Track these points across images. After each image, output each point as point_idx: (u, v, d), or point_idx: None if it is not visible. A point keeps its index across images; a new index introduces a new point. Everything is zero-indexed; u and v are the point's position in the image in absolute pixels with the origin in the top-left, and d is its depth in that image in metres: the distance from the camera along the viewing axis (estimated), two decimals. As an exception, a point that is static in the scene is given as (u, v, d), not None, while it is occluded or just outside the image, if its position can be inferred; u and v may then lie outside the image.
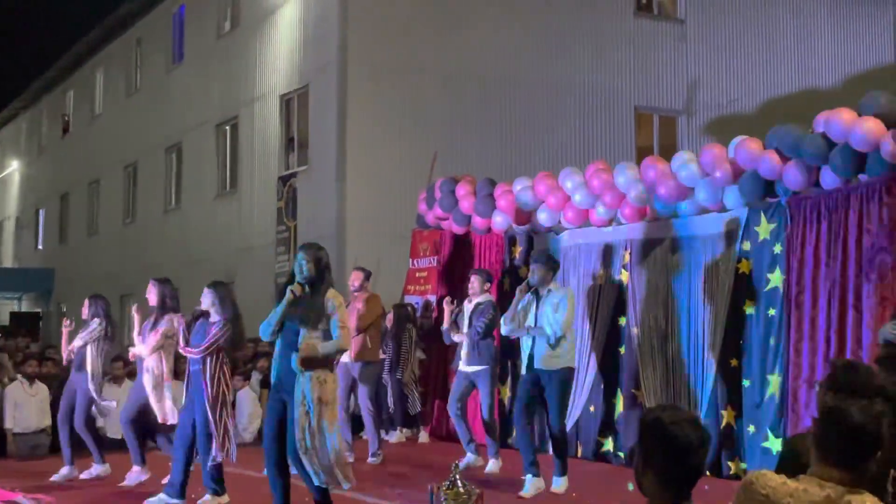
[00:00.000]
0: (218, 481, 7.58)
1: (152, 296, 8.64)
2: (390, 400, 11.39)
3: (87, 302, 9.09)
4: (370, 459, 9.62)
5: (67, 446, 8.98)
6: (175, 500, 7.58)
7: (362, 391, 9.84)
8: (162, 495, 7.63)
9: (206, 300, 7.62)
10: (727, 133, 18.64)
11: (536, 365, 8.07)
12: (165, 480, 7.83)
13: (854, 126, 7.49)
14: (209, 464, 7.47)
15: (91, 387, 8.75)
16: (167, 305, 8.57)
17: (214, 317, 7.56)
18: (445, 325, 9.53)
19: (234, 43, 19.64)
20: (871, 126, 7.42)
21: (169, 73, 22.86)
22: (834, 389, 2.90)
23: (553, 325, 7.98)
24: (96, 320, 8.97)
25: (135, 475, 8.62)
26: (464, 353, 9.20)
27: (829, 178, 7.82)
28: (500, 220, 10.81)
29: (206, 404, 7.36)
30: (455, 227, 11.51)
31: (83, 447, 9.04)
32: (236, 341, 7.79)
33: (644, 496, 2.83)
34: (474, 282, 9.36)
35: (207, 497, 7.57)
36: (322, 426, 6.36)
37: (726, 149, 8.60)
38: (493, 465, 9.03)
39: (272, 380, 6.76)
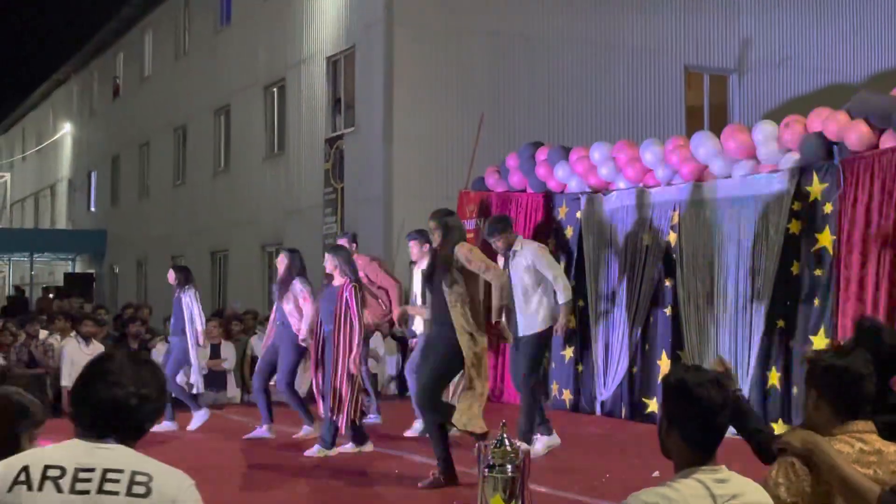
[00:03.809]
0: (332, 436, 7.90)
1: (281, 266, 8.88)
2: None
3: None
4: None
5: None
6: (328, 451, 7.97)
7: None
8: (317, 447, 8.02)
9: (329, 264, 7.89)
10: (779, 92, 18.39)
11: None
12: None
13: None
14: (327, 420, 7.81)
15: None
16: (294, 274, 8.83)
17: (339, 280, 7.79)
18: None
19: (280, 4, 19.65)
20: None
21: (217, 35, 22.96)
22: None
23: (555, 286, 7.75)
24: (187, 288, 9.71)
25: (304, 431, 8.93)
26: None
27: (890, 140, 7.75)
28: (562, 174, 10.86)
29: (332, 366, 7.66)
30: (514, 179, 11.50)
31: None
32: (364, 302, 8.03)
33: (668, 458, 2.86)
34: (413, 247, 8.93)
35: (316, 448, 7.94)
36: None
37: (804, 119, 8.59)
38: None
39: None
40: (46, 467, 2.41)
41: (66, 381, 11.16)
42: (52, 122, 37.74)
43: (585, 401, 10.44)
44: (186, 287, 9.75)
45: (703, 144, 9.36)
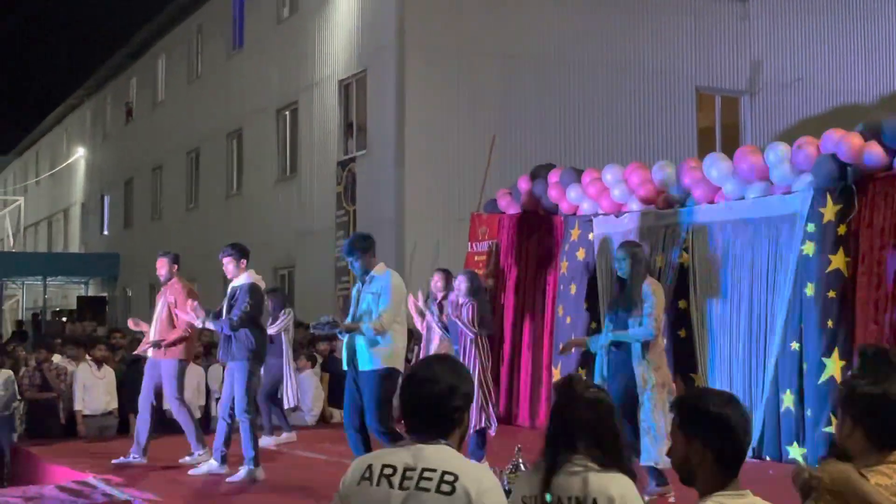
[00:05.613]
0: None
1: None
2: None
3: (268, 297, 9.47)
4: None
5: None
6: None
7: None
8: None
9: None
10: (791, 113, 18.37)
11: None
12: None
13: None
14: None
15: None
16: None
17: (463, 299, 8.15)
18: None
19: (293, 28, 19.77)
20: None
21: (229, 59, 23.09)
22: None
23: (376, 317, 7.00)
24: (285, 311, 10.47)
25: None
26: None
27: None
28: (574, 196, 10.88)
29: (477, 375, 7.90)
30: (526, 201, 11.46)
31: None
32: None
33: (687, 484, 2.84)
34: (227, 264, 8.33)
35: None
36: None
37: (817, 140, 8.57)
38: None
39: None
40: (383, 466, 2.87)
41: (79, 404, 11.17)
42: (66, 146, 37.97)
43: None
44: (284, 311, 10.45)
45: (716, 166, 9.35)
